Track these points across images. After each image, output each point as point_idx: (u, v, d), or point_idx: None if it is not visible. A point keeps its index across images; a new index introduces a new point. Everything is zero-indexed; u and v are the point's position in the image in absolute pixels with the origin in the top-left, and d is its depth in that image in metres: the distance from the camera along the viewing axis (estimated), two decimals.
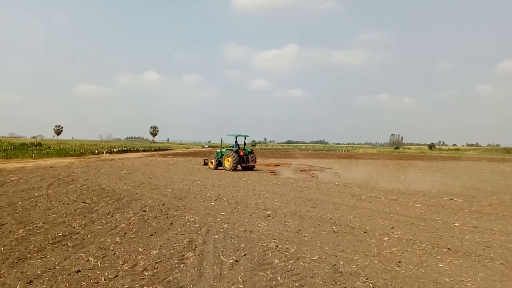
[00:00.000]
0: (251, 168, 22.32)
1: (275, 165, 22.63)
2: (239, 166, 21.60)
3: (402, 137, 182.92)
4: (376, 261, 5.41)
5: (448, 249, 6.17)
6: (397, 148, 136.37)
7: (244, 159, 21.75)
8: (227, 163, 21.41)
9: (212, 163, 22.82)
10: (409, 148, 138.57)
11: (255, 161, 22.48)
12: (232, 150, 21.73)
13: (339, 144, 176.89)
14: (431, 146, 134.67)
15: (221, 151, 22.61)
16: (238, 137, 22.61)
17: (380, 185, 16.03)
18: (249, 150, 22.47)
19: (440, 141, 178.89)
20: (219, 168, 22.37)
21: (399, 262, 5.41)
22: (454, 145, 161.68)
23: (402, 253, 5.89)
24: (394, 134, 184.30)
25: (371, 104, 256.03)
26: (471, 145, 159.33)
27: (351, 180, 17.69)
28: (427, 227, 7.88)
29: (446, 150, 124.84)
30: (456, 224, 8.13)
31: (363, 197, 11.93)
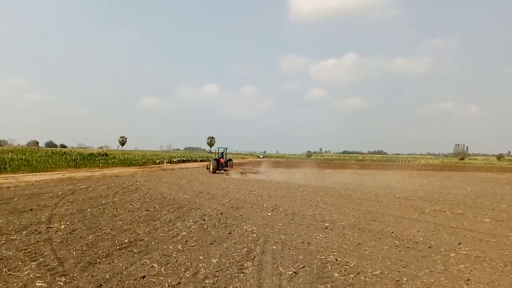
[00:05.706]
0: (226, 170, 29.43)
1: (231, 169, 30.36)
2: (222, 170, 28.76)
3: (467, 147, 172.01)
4: (443, 278, 5.14)
5: None
6: (462, 158, 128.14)
7: (223, 165, 29.68)
8: (210, 167, 28.97)
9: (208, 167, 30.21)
10: (475, 159, 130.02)
11: (232, 166, 30.76)
12: (214, 158, 30.36)
13: (398, 154, 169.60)
14: (499, 157, 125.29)
15: (213, 158, 31.02)
16: (220, 149, 32.95)
17: (444, 197, 15.20)
18: (228, 159, 31.58)
19: (509, 152, 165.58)
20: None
21: (467, 280, 5.10)
22: None
23: (471, 270, 5.54)
24: (458, 144, 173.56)
25: (434, 113, 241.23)
26: None
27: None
28: (498, 243, 7.36)
29: None
30: None
31: (427, 210, 11.38)
